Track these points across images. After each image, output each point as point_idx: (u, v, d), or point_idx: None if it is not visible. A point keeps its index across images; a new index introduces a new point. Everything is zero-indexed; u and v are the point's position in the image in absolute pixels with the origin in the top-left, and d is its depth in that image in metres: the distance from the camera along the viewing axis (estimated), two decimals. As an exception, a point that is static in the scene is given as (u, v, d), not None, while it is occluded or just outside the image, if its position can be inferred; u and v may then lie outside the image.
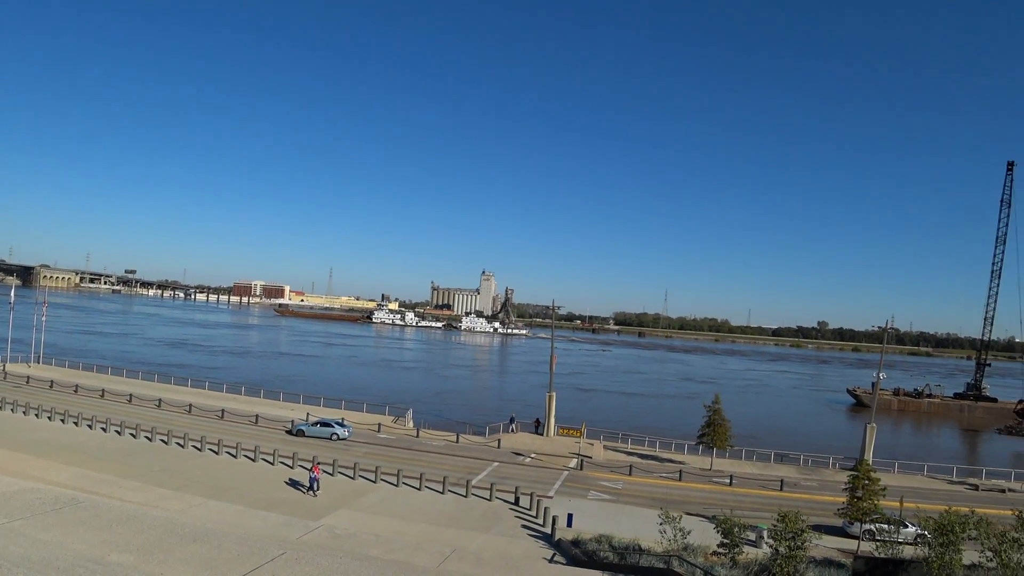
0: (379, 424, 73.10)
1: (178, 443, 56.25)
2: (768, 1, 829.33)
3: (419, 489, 48.58)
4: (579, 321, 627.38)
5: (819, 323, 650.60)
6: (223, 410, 72.42)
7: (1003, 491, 65.99)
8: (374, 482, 49.46)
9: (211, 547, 16.17)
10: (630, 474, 61.69)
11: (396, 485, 49.09)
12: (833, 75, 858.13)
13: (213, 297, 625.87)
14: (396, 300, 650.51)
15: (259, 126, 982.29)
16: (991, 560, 26.93)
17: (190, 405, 74.17)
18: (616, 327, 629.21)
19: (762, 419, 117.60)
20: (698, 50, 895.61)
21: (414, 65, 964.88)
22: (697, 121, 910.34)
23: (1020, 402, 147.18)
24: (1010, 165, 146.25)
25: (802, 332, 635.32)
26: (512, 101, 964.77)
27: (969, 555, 28.80)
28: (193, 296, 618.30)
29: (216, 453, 54.57)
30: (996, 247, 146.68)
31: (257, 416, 70.85)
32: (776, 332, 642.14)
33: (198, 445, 55.61)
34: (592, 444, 73.73)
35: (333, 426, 66.12)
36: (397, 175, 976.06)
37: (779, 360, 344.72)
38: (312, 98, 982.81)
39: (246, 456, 53.83)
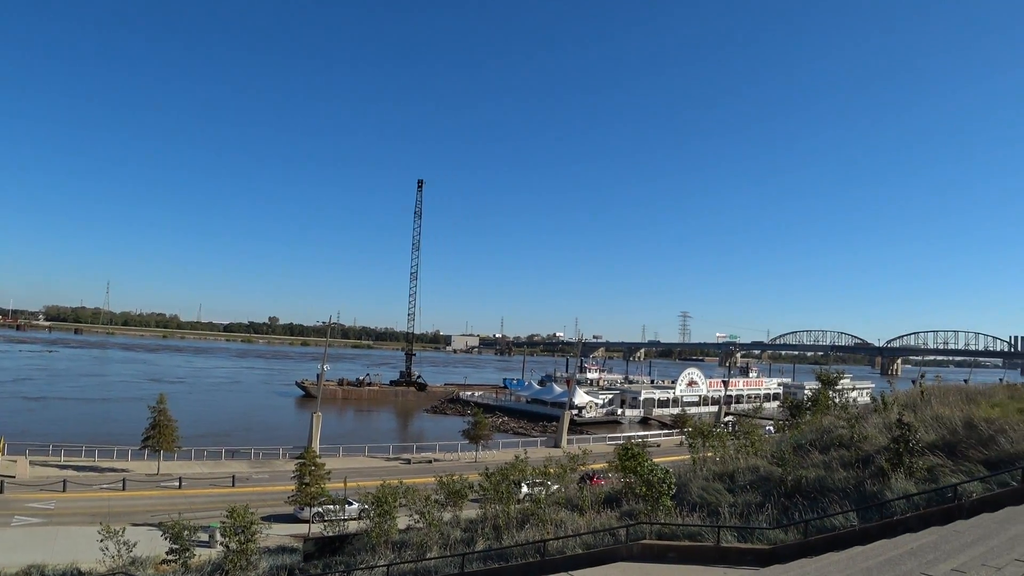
0: None
1: None
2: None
3: None
4: (0, 316, 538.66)
5: (270, 319, 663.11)
6: None
7: (430, 461, 75.47)
8: None
9: None
10: (64, 490, 55.42)
11: None
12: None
13: None
14: None
15: None
16: (419, 521, 30.51)
17: None
18: (47, 323, 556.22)
19: (220, 416, 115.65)
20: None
21: None
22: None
23: (419, 377, 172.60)
24: (420, 183, 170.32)
25: (253, 328, 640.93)
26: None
27: (403, 520, 32.09)
28: None
29: None
30: (413, 252, 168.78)
31: None
32: (228, 328, 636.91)
33: None
34: (15, 461, 63.98)
35: None
36: None
37: (244, 357, 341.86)
38: None
39: None
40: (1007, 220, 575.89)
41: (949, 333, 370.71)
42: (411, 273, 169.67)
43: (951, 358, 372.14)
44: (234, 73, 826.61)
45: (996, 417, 28.13)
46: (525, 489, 36.52)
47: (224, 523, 30.11)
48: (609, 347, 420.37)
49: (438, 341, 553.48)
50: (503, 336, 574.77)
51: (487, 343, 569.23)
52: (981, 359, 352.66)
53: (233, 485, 60.09)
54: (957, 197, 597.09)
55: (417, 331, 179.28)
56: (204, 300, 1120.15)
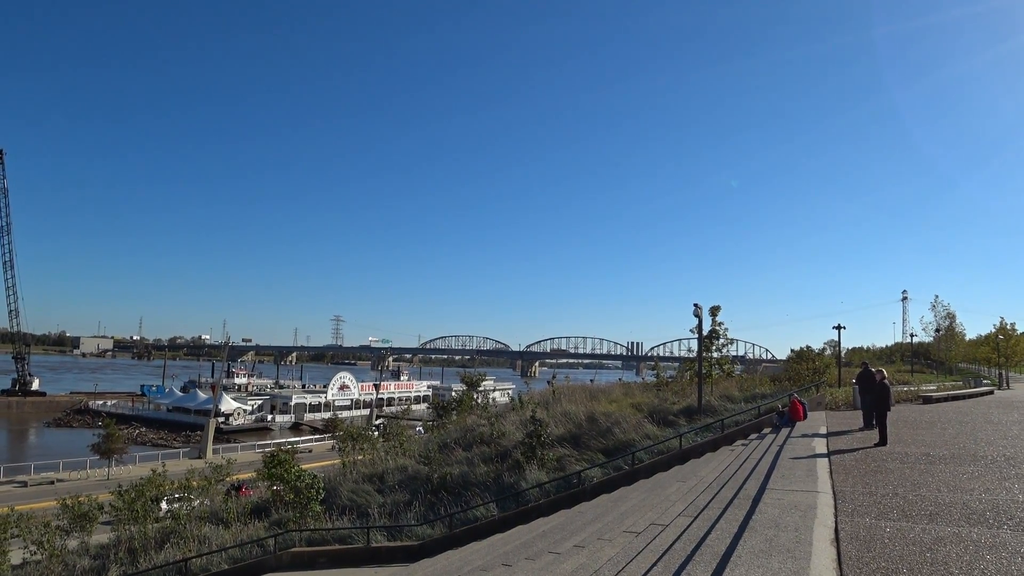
0: None
1: None
2: None
3: None
4: None
5: None
6: None
7: (52, 482, 67.03)
8: None
9: None
10: None
11: None
12: None
13: None
14: None
15: None
16: (37, 553, 27.08)
17: None
18: None
19: None
20: None
21: None
22: None
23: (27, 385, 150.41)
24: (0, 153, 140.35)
25: None
26: None
27: (18, 554, 28.32)
28: None
29: None
30: (2, 237, 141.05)
31: None
32: None
33: None
34: None
35: None
36: None
37: None
38: None
39: None
40: (631, 244, 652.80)
41: (579, 339, 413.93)
42: (4, 263, 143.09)
43: (581, 361, 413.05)
44: None
45: (613, 411, 32.00)
46: (165, 506, 34.09)
47: None
48: (259, 351, 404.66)
49: (64, 344, 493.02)
50: (142, 338, 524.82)
51: (124, 346, 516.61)
52: (605, 362, 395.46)
53: None
54: (580, 219, 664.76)
55: (28, 330, 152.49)
56: None
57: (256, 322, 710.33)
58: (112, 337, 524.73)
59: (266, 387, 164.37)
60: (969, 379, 65.91)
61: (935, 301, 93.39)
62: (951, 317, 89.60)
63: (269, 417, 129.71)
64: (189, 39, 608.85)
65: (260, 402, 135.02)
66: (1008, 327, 75.12)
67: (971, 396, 43.43)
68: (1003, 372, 71.84)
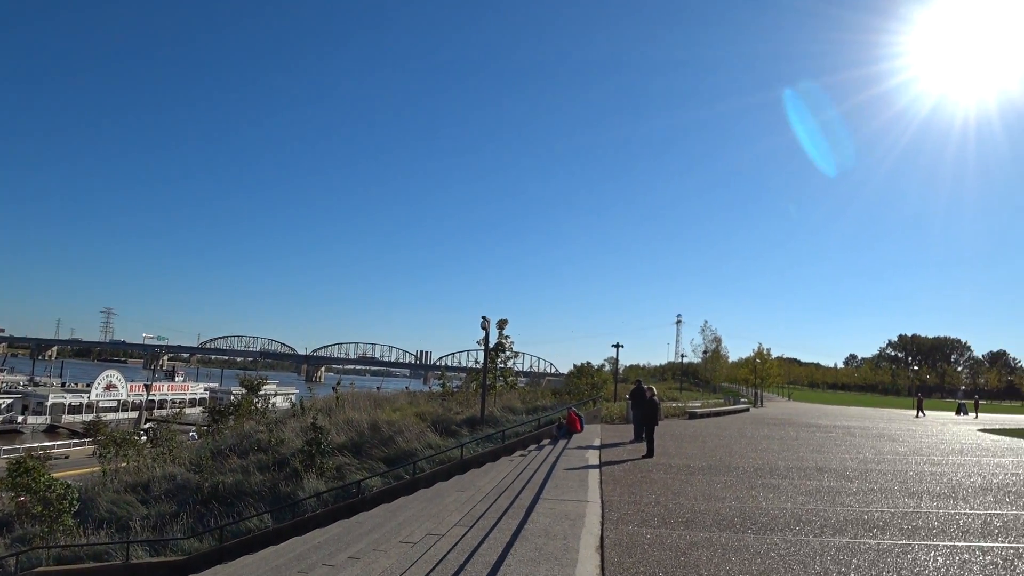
0: None
1: None
2: None
3: None
4: None
5: None
6: None
7: None
8: None
9: None
10: None
11: None
12: None
13: None
14: None
15: None
16: None
17: None
18: None
19: None
20: None
21: None
22: None
23: None
24: None
25: None
26: None
27: None
28: None
29: None
30: None
31: None
32: None
33: None
34: None
35: None
36: None
37: None
38: None
39: None
40: (424, 253, 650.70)
41: (368, 345, 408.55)
42: None
43: (368, 368, 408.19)
44: None
45: (397, 420, 31.88)
46: None
47: None
48: (13, 342, 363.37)
49: None
50: None
51: None
52: (393, 369, 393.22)
53: None
54: (372, 223, 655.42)
55: None
56: None
57: (10, 309, 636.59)
58: None
59: (18, 384, 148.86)
60: (730, 397, 71.82)
61: (704, 325, 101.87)
62: (718, 341, 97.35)
63: (20, 418, 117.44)
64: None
65: (10, 401, 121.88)
66: (764, 352, 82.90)
67: (730, 413, 47.41)
68: (759, 391, 79.00)
